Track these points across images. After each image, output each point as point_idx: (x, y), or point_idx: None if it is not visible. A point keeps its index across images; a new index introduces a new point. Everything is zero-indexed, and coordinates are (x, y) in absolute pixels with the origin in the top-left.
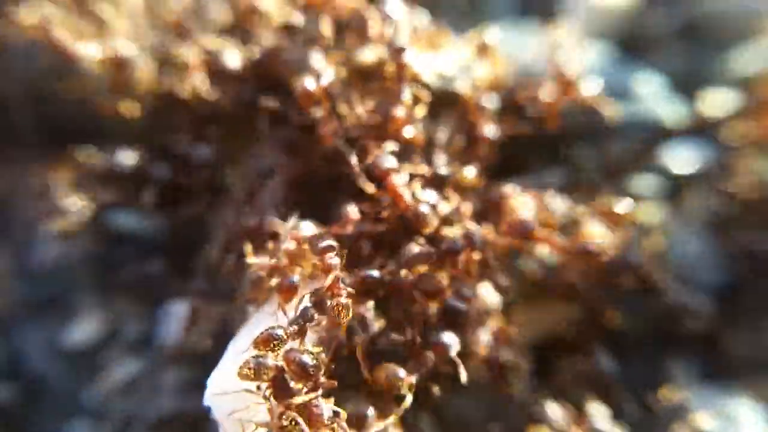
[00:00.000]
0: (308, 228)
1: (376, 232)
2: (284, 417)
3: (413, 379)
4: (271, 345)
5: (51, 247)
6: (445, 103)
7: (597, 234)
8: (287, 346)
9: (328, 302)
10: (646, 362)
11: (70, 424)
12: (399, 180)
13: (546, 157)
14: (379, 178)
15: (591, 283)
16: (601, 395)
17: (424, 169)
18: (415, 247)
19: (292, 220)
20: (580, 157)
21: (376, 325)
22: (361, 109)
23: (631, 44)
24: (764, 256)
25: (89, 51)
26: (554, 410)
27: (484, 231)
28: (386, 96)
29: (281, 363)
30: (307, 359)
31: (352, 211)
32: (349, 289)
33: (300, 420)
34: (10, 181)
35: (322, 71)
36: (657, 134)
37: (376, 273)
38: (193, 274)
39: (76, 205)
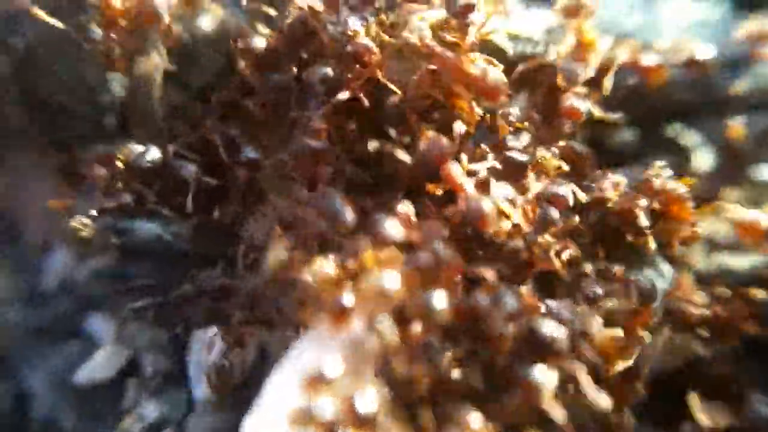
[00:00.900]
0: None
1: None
2: None
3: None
4: (321, 388)
5: (61, 265)
6: (523, 72)
7: None
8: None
9: None
10: None
11: None
12: (458, 169)
13: (648, 140)
14: (434, 166)
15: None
16: None
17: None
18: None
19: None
20: (690, 140)
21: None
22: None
23: None
24: None
25: None
26: None
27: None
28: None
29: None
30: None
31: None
32: None
33: None
34: (12, 191)
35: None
36: None
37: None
38: (224, 293)
39: (87, 214)
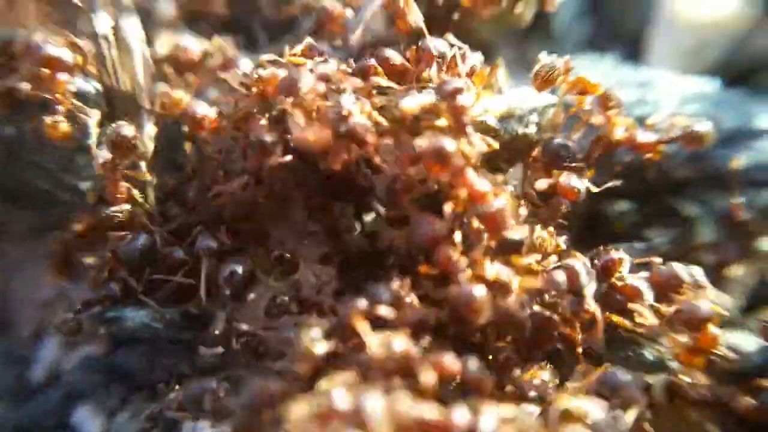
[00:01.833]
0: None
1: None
2: None
3: None
4: None
5: (50, 356)
6: (513, 149)
7: None
8: None
9: None
10: None
11: None
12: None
13: (646, 213)
14: (427, 248)
15: None
16: None
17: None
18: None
19: None
20: (693, 213)
21: None
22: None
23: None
24: None
25: None
26: None
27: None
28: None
29: None
30: None
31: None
32: None
33: None
34: (3, 282)
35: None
36: None
37: None
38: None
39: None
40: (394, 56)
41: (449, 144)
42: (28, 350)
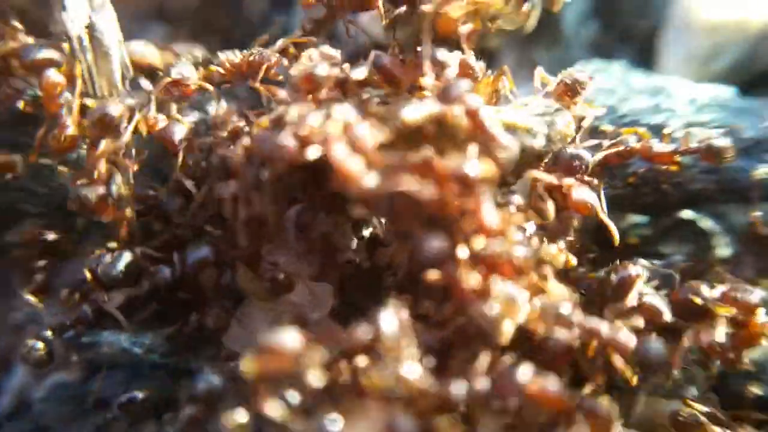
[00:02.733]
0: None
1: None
2: None
3: None
4: None
5: (18, 385)
6: (521, 161)
7: None
8: None
9: None
10: None
11: None
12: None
13: (661, 227)
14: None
15: None
16: None
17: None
18: None
19: None
20: (707, 226)
21: None
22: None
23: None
24: None
25: None
26: None
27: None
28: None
29: None
30: None
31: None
32: None
33: None
34: None
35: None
36: None
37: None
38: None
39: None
40: (391, 63)
41: (473, 168)
42: None
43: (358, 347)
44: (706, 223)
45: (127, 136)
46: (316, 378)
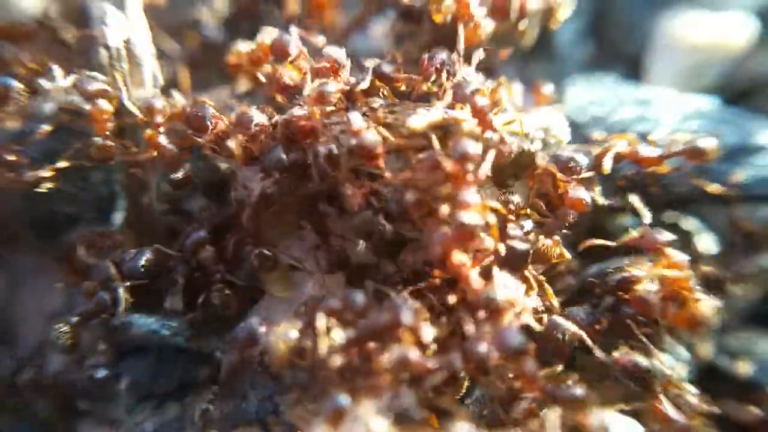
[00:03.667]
0: None
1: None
2: None
3: None
4: None
5: (54, 369)
6: (519, 164)
7: None
8: None
9: None
10: None
11: None
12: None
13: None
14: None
15: None
16: None
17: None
18: None
19: None
20: (692, 226)
21: None
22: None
23: (733, 90)
24: None
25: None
26: None
27: None
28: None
29: None
30: None
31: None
32: None
33: None
34: (9, 293)
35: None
36: None
37: None
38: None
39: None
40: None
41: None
42: (32, 362)
43: (377, 330)
44: (691, 222)
45: None
46: None
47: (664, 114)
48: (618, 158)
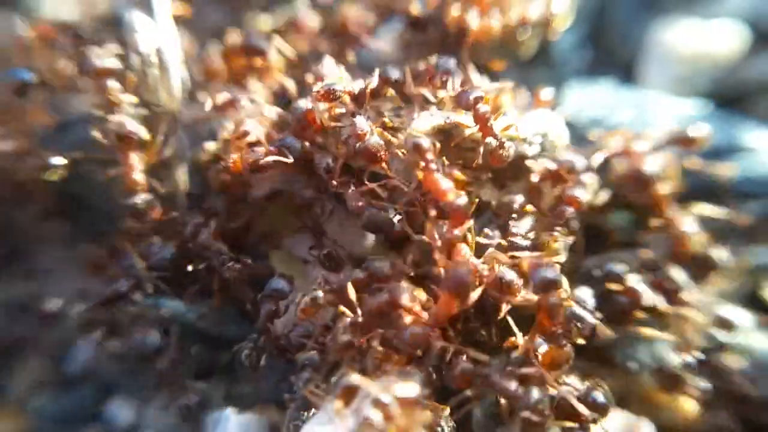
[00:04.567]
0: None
1: None
2: None
3: None
4: None
5: (86, 351)
6: (518, 167)
7: None
8: None
9: None
10: None
11: None
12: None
13: (641, 224)
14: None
15: None
16: None
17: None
18: None
19: None
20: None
21: None
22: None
23: (725, 97)
24: None
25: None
26: None
27: None
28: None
29: None
30: None
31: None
32: None
33: None
34: (42, 280)
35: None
36: None
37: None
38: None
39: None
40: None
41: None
42: (69, 344)
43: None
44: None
45: None
46: None
47: (658, 117)
48: (611, 156)
